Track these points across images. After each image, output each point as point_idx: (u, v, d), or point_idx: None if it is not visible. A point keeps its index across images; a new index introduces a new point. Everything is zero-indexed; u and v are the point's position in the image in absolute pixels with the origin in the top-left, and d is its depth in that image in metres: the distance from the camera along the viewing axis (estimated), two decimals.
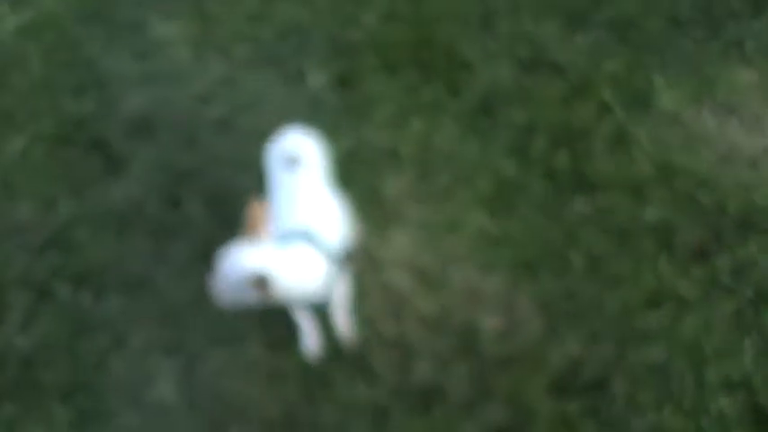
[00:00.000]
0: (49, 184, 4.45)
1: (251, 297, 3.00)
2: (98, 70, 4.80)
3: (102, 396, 3.67)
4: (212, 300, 3.13)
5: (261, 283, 2.92)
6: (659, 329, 3.49)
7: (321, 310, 3.55)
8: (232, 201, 4.13)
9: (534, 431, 3.31)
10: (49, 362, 3.79)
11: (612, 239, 3.78)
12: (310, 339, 3.59)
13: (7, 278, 4.06)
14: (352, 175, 4.14)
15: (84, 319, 3.91)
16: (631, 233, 3.78)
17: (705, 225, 3.75)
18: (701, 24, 4.60)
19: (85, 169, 4.52)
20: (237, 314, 3.65)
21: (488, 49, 4.56)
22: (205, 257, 3.91)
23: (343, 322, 3.56)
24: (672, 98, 4.17)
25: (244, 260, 3.00)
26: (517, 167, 4.09)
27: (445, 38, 4.63)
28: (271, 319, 3.70)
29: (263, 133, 4.29)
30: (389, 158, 4.21)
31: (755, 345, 3.39)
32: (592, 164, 4.01)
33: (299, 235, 3.19)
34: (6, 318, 3.94)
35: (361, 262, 3.78)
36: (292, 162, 3.44)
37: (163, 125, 4.54)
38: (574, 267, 3.72)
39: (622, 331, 3.51)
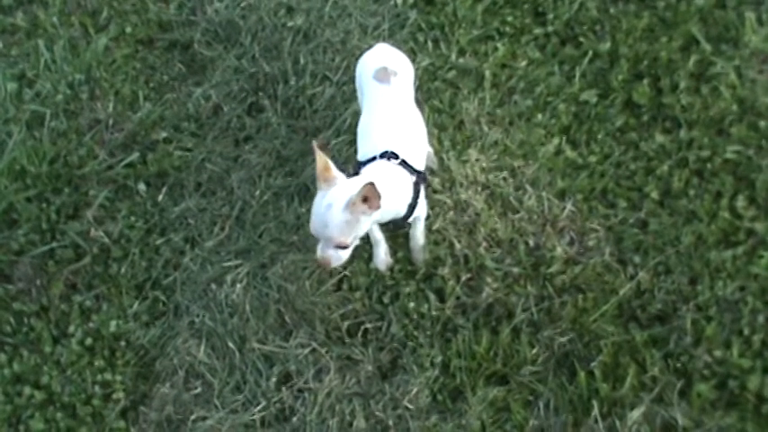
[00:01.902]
0: (132, 84, 4.51)
1: (354, 220, 2.97)
2: None
3: (173, 292, 3.76)
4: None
5: (371, 192, 2.90)
6: (733, 267, 3.46)
7: (398, 228, 3.58)
8: (310, 110, 4.17)
9: (599, 357, 3.31)
10: (125, 257, 3.89)
11: (691, 175, 3.74)
12: (382, 253, 3.62)
13: (87, 173, 4.15)
14: (433, 93, 4.14)
15: (161, 218, 3.99)
16: (710, 170, 3.73)
17: None
18: None
19: (167, 72, 4.58)
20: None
21: None
22: (281, 163, 3.98)
23: (418, 239, 3.59)
24: (761, 36, 4.07)
25: (345, 187, 2.98)
26: (598, 96, 4.05)
27: None
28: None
29: (344, 45, 4.34)
30: (471, 80, 4.19)
31: None
32: (675, 97, 3.95)
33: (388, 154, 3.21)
34: (85, 211, 4.03)
35: (439, 179, 3.80)
36: (386, 73, 3.43)
37: (246, 32, 4.55)
38: (649, 199, 3.69)
39: (694, 266, 3.49)
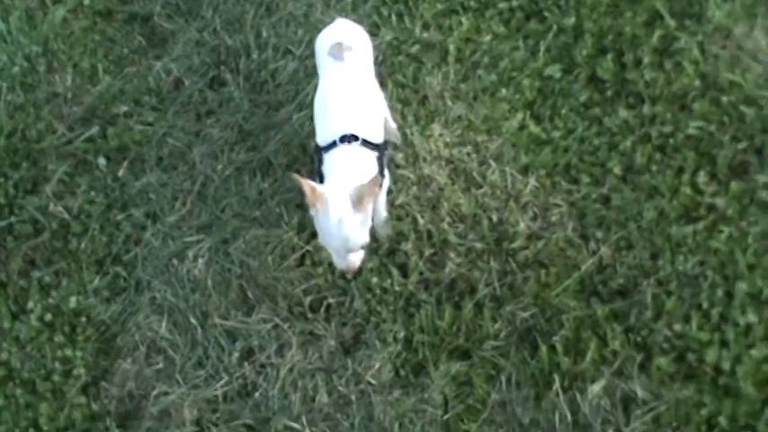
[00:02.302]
0: (90, 57, 4.45)
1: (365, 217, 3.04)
2: None
3: (135, 268, 3.73)
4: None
5: (372, 186, 2.97)
6: (693, 241, 3.48)
7: None
8: (273, 83, 4.14)
9: (561, 332, 3.33)
10: (85, 232, 3.85)
11: (653, 150, 3.75)
12: None
13: (46, 147, 4.10)
14: (397, 68, 4.12)
15: (121, 193, 3.95)
16: (673, 145, 3.74)
17: (747, 141, 3.71)
18: None
19: (127, 45, 4.52)
20: (273, 198, 3.71)
21: None
22: (243, 138, 3.96)
23: (380, 213, 3.56)
24: (724, 12, 4.08)
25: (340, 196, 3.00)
26: (562, 71, 4.04)
27: None
28: (304, 207, 3.71)
29: (307, 19, 4.30)
30: (435, 54, 4.16)
31: None
32: (638, 73, 3.95)
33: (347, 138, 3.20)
34: (44, 186, 3.99)
35: (402, 155, 3.79)
36: (340, 49, 3.41)
37: (207, 4, 4.51)
38: (612, 175, 3.70)
39: (656, 241, 3.50)
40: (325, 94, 3.36)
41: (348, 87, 3.35)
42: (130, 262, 3.75)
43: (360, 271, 3.37)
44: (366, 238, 3.04)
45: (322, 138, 3.25)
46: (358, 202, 2.94)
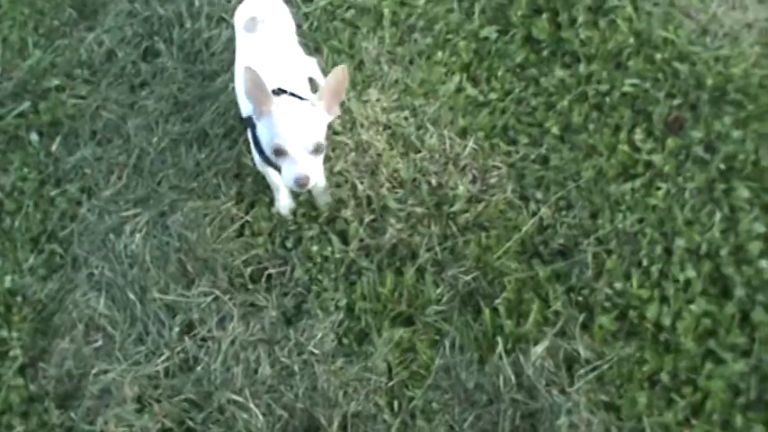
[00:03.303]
0: (20, 30, 4.36)
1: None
2: None
3: (71, 244, 3.66)
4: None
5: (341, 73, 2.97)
6: (632, 199, 3.49)
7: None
8: (207, 53, 4.08)
9: (503, 294, 3.33)
10: (19, 209, 3.77)
11: (590, 109, 3.75)
12: (283, 198, 3.57)
13: None
14: (332, 33, 4.08)
15: (55, 168, 3.88)
16: (609, 104, 3.75)
17: (682, 97, 3.73)
18: None
19: (57, 17, 4.45)
20: (210, 169, 3.66)
21: None
22: (178, 109, 3.90)
23: (319, 183, 3.52)
24: None
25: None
26: (498, 33, 4.03)
27: None
28: (242, 177, 3.68)
29: None
30: (370, 18, 4.13)
31: (725, 216, 3.41)
32: (573, 32, 3.95)
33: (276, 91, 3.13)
34: None
35: (340, 121, 3.75)
36: (254, 23, 3.39)
37: None
38: (550, 135, 3.70)
39: (595, 200, 3.51)
40: (242, 66, 3.30)
41: (263, 56, 3.31)
42: (66, 238, 3.69)
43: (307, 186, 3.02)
44: (323, 137, 2.96)
45: (245, 109, 3.21)
46: (333, 95, 2.97)
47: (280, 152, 2.91)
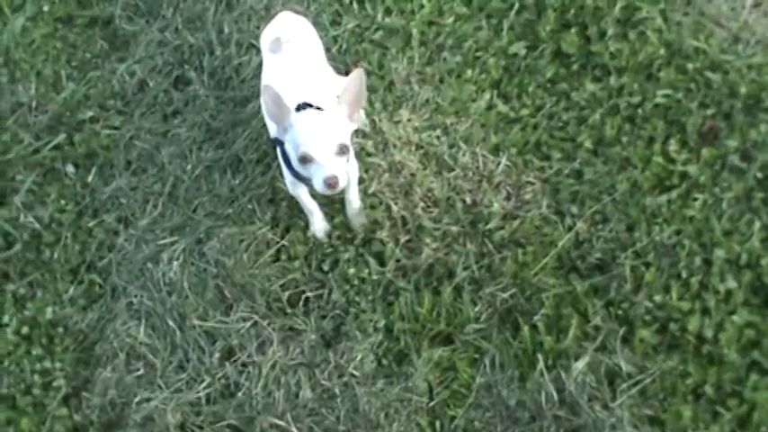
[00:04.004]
0: (53, 63, 4.41)
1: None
2: None
3: (109, 274, 3.69)
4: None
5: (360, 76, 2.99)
6: (668, 211, 3.47)
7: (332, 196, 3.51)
8: (237, 79, 4.11)
9: (541, 310, 3.31)
10: (57, 241, 3.80)
11: (623, 121, 3.74)
12: (318, 221, 3.58)
13: (13, 158, 4.05)
14: (361, 55, 4.09)
15: (92, 199, 3.91)
16: (642, 115, 3.74)
17: (716, 107, 3.71)
18: None
19: (89, 49, 4.49)
20: (244, 194, 3.68)
21: None
22: (211, 136, 3.92)
23: (353, 203, 3.55)
24: None
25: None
26: (527, 48, 4.03)
27: None
28: (277, 202, 3.70)
29: (268, 12, 4.29)
30: (398, 39, 4.14)
31: (764, 225, 3.38)
32: (603, 45, 3.95)
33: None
34: (12, 197, 3.94)
35: (372, 142, 3.76)
36: (277, 43, 3.44)
37: (167, 3, 4.47)
38: (583, 149, 3.69)
39: (631, 213, 3.49)
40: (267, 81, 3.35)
41: (288, 75, 3.34)
42: (105, 268, 3.71)
43: (336, 186, 3.01)
44: (346, 139, 2.99)
45: (273, 129, 3.21)
46: (353, 101, 3.00)
47: (306, 159, 2.95)
